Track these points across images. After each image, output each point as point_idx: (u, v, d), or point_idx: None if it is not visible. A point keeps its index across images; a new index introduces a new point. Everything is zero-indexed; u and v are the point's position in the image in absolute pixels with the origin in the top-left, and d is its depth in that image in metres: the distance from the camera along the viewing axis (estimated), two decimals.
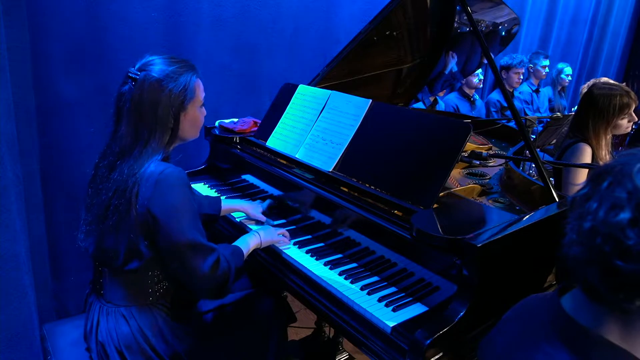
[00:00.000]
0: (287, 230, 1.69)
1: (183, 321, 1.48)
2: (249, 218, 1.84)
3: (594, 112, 2.37)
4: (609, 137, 2.43)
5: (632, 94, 2.39)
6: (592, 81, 2.53)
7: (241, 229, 1.77)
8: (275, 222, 1.80)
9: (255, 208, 1.82)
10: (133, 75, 1.33)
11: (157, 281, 1.43)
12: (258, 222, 1.80)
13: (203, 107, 1.47)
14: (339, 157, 1.68)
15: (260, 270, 1.66)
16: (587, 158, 2.36)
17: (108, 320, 1.40)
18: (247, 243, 1.54)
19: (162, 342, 1.42)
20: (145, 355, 1.39)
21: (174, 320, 1.46)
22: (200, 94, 1.43)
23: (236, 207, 1.85)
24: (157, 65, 1.34)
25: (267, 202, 1.88)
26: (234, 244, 1.52)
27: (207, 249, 1.34)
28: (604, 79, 2.60)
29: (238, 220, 1.84)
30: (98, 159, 1.44)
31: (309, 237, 1.69)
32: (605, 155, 2.40)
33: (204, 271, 1.32)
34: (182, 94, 1.35)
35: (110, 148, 1.39)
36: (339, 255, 1.58)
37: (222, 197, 2.02)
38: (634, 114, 2.43)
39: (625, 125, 2.41)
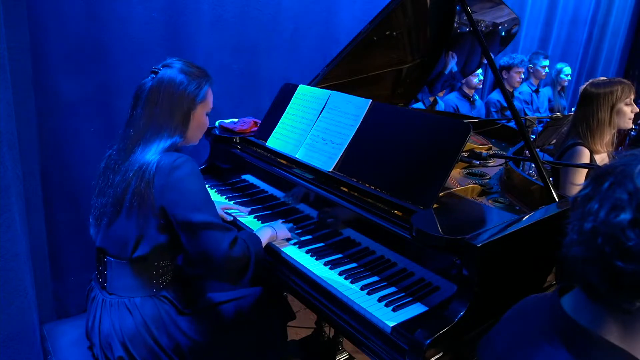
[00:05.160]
0: None
1: (186, 315, 1.49)
2: (247, 218, 1.83)
3: (594, 105, 2.30)
4: (612, 133, 2.35)
5: (631, 84, 2.33)
6: (589, 81, 2.50)
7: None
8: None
9: None
10: (155, 69, 1.45)
11: (163, 273, 1.46)
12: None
13: (208, 116, 1.55)
14: (339, 157, 1.68)
15: (260, 270, 1.66)
16: (584, 161, 2.33)
17: (111, 312, 1.41)
18: (262, 234, 1.56)
19: (165, 336, 1.43)
20: (148, 348, 1.41)
21: (177, 314, 1.47)
22: (210, 100, 1.53)
23: None
24: (179, 65, 1.47)
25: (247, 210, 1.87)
26: None
27: (223, 227, 1.39)
28: (601, 79, 2.58)
29: (231, 218, 1.84)
30: (109, 149, 1.51)
31: (309, 237, 1.69)
32: (605, 158, 2.37)
33: (222, 248, 1.35)
34: (195, 93, 1.46)
35: (125, 133, 1.45)
36: (339, 255, 1.58)
37: (223, 198, 2.02)
38: (635, 105, 2.35)
39: (628, 113, 2.31)
